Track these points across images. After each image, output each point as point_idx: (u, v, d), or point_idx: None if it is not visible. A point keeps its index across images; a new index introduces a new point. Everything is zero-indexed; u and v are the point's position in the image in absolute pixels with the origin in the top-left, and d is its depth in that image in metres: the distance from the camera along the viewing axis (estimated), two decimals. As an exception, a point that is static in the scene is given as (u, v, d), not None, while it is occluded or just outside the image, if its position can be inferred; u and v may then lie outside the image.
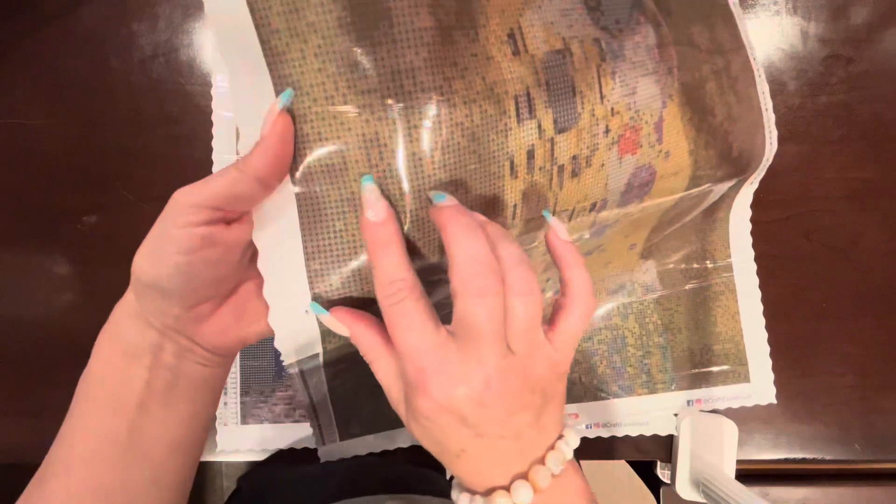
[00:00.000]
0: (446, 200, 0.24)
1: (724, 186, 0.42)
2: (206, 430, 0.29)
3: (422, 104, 0.24)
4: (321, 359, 0.32)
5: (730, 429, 0.46)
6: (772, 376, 0.48)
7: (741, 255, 0.48)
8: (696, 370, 0.48)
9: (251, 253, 0.26)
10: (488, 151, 0.26)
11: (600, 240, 0.40)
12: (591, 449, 0.48)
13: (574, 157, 0.29)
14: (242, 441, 0.47)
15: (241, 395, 0.47)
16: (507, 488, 0.23)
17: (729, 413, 0.48)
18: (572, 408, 0.47)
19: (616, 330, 0.47)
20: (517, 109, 0.26)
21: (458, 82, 0.24)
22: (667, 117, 0.33)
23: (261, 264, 0.26)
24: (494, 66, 0.25)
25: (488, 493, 0.23)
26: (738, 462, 0.46)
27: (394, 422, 0.45)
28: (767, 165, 0.42)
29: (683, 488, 0.46)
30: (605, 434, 0.48)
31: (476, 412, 0.22)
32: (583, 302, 0.25)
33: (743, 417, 0.48)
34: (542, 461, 0.24)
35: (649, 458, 0.49)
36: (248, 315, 0.27)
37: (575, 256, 0.25)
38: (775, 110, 0.49)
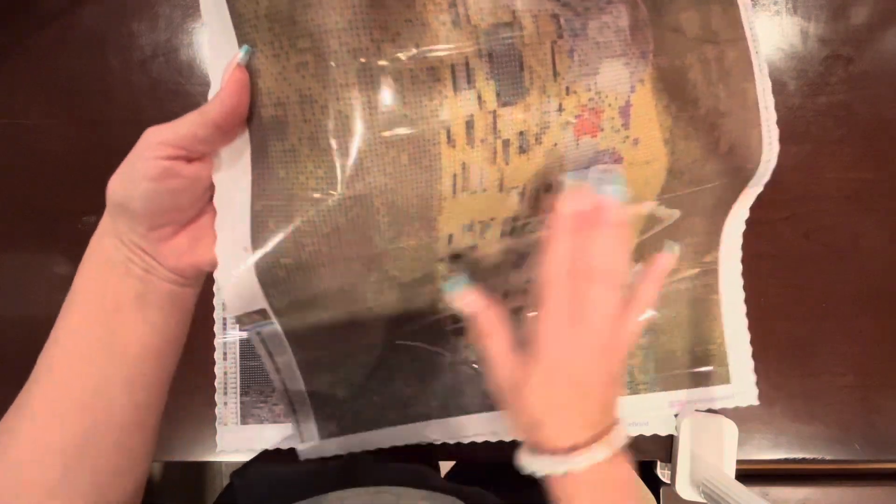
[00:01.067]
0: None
1: (721, 189, 0.40)
2: (178, 343, 0.32)
3: (348, 64, 0.25)
4: (278, 326, 0.34)
5: (730, 429, 0.46)
6: (753, 378, 0.47)
7: (728, 257, 0.47)
8: (678, 371, 0.47)
9: (212, 190, 0.30)
10: (421, 116, 0.26)
11: None
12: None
13: (521, 133, 0.29)
14: (242, 441, 0.47)
15: (241, 395, 0.48)
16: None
17: (729, 413, 0.48)
18: None
19: None
20: (454, 78, 0.27)
21: (387, 45, 0.25)
22: (636, 102, 0.32)
23: (216, 200, 0.29)
24: (430, 34, 0.26)
25: (572, 450, 0.28)
26: (738, 462, 0.46)
27: (371, 423, 0.45)
28: (771, 168, 0.40)
29: (683, 488, 0.46)
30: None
31: (586, 378, 0.29)
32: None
33: (743, 417, 0.48)
34: (608, 433, 0.29)
35: (649, 458, 0.49)
36: (202, 244, 0.31)
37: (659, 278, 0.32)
38: (775, 110, 0.49)
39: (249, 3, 0.26)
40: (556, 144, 0.30)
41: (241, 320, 0.33)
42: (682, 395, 0.47)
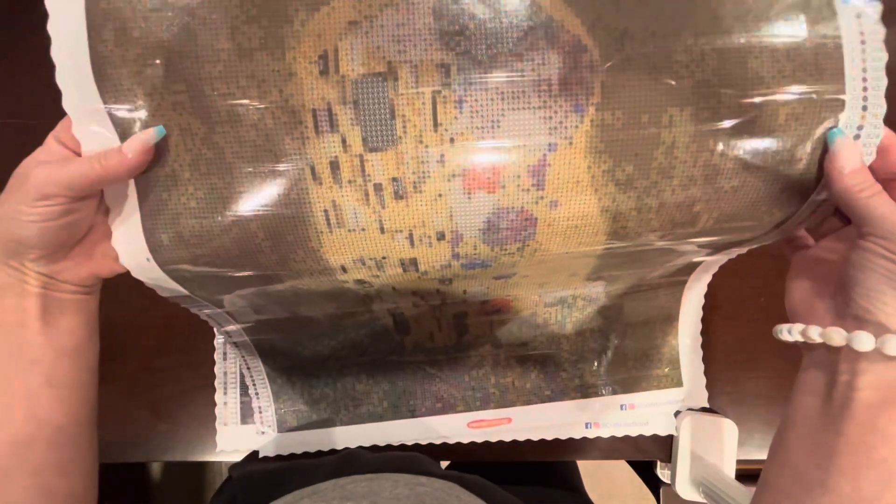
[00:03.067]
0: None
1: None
2: (93, 338, 0.33)
3: (219, 106, 0.28)
4: (216, 308, 0.37)
5: (730, 429, 0.46)
6: (703, 381, 0.48)
7: (702, 272, 0.45)
8: (630, 375, 0.47)
9: (99, 204, 0.31)
10: (285, 152, 0.28)
11: (498, 271, 0.35)
12: (591, 449, 0.48)
13: (394, 179, 0.29)
14: (242, 441, 0.47)
15: (241, 395, 0.48)
16: None
17: (729, 413, 0.48)
18: (505, 412, 0.47)
19: (552, 337, 0.47)
20: (315, 121, 0.28)
21: (252, 91, 0.28)
22: (555, 163, 0.29)
23: (110, 220, 0.31)
24: (296, 82, 0.28)
25: None
26: (738, 462, 0.46)
27: (326, 420, 0.46)
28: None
29: (683, 488, 0.46)
30: (604, 434, 0.48)
31: None
32: None
33: (743, 417, 0.48)
34: None
35: (649, 458, 0.49)
36: (98, 253, 0.32)
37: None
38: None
39: (118, 50, 0.27)
40: (440, 195, 0.29)
41: (182, 302, 0.36)
42: (634, 398, 0.47)
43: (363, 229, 0.30)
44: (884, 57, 0.27)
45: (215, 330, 0.48)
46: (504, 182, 0.29)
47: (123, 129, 0.28)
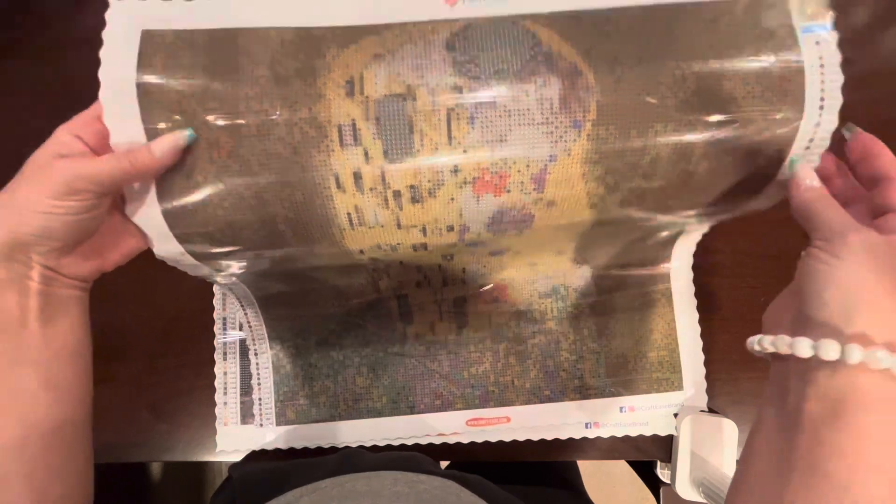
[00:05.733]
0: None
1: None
2: (88, 338, 0.33)
3: (250, 122, 0.30)
4: (242, 285, 0.39)
5: (730, 429, 0.46)
6: (704, 384, 0.48)
7: (680, 262, 0.47)
8: (630, 377, 0.48)
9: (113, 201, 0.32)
10: (311, 164, 0.31)
11: (494, 246, 0.40)
12: (591, 449, 0.48)
13: (412, 186, 0.32)
14: (242, 441, 0.47)
15: (241, 395, 0.48)
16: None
17: (729, 413, 0.48)
18: (504, 411, 0.47)
19: (550, 334, 0.47)
20: (340, 136, 0.31)
21: (284, 109, 0.31)
22: (555, 171, 0.32)
23: (127, 210, 0.32)
24: (324, 103, 0.31)
25: (886, 345, 0.24)
26: (739, 462, 0.46)
27: (325, 414, 0.47)
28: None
29: (683, 488, 0.46)
30: (604, 434, 0.48)
31: None
32: None
33: (743, 417, 0.48)
34: None
35: (649, 458, 0.49)
36: (107, 248, 0.33)
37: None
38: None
39: (166, 73, 0.30)
40: (452, 199, 0.33)
41: (205, 277, 0.38)
42: (634, 400, 0.47)
43: (382, 226, 0.34)
44: (840, 79, 0.30)
45: (216, 330, 0.48)
46: (510, 187, 0.32)
47: (152, 132, 0.30)
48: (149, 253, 0.35)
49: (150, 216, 0.32)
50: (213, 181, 0.31)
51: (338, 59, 0.31)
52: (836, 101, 0.31)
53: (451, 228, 0.35)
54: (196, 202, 0.32)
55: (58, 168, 0.28)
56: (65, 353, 0.31)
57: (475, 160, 0.31)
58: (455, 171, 0.32)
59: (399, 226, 0.34)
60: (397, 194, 0.32)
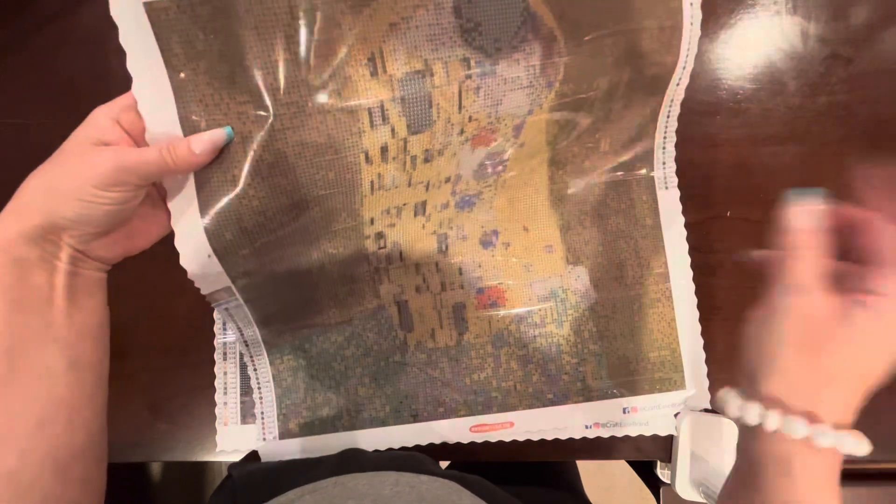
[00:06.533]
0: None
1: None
2: (108, 320, 0.33)
3: (283, 115, 0.32)
4: (241, 301, 0.40)
5: (730, 429, 0.46)
6: (706, 383, 0.48)
7: (677, 261, 0.48)
8: (632, 378, 0.47)
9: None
10: (344, 146, 0.34)
11: (484, 215, 0.45)
12: (591, 449, 0.48)
13: (426, 150, 0.37)
14: (242, 441, 0.47)
15: (241, 395, 0.48)
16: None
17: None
18: (507, 416, 0.47)
19: (551, 338, 0.47)
20: (370, 118, 0.34)
21: (315, 99, 0.32)
22: (529, 121, 0.39)
23: (173, 221, 0.34)
24: (351, 86, 0.33)
25: (803, 414, 0.26)
26: (738, 462, 0.46)
27: (328, 425, 0.46)
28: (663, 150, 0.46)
29: (683, 488, 0.46)
30: (604, 434, 0.48)
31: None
32: None
33: (743, 417, 0.48)
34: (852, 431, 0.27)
35: (649, 458, 0.49)
36: (136, 233, 0.34)
37: None
38: (775, 111, 0.49)
39: (189, 63, 0.31)
40: (454, 154, 0.39)
41: (211, 298, 0.39)
42: (636, 401, 0.47)
43: (396, 186, 0.39)
44: (699, 21, 0.40)
45: (216, 330, 0.48)
46: (497, 137, 0.40)
47: (189, 127, 0.32)
48: (149, 253, 0.35)
49: (188, 213, 0.34)
50: (252, 173, 0.33)
51: (354, 28, 0.32)
52: (697, 31, 0.40)
53: (447, 180, 0.41)
54: (232, 195, 0.33)
55: (103, 157, 0.29)
56: (88, 333, 0.31)
57: (476, 123, 0.37)
58: (461, 132, 0.37)
59: (410, 184, 0.39)
60: (414, 158, 0.37)
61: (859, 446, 0.27)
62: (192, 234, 0.34)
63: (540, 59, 0.36)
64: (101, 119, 0.30)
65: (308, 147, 0.33)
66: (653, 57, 0.40)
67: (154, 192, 0.34)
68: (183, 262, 0.35)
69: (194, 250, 0.35)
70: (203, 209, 0.34)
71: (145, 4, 0.30)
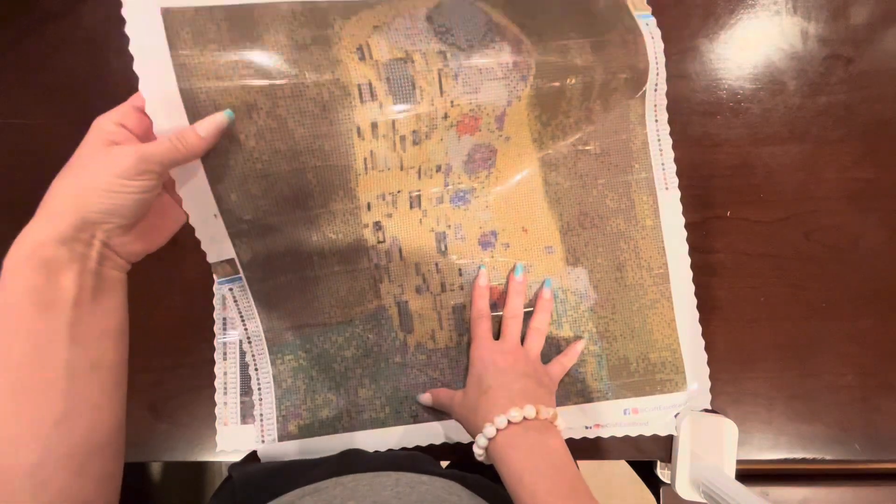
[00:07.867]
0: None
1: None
2: (126, 322, 0.34)
3: (284, 85, 0.36)
4: (245, 281, 0.43)
5: (730, 429, 0.46)
6: (707, 383, 0.48)
7: (677, 262, 0.48)
8: (633, 379, 0.47)
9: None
10: (338, 118, 0.38)
11: (481, 214, 0.47)
12: (591, 449, 0.48)
13: (414, 132, 0.40)
14: (242, 441, 0.47)
15: (241, 395, 0.48)
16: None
17: (729, 413, 0.48)
18: None
19: (550, 339, 0.47)
20: (360, 94, 0.38)
21: (311, 73, 0.37)
22: (510, 112, 0.42)
23: (177, 186, 0.37)
24: (343, 66, 0.37)
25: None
26: (738, 462, 0.46)
27: (327, 426, 0.46)
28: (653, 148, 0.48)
29: (683, 488, 0.46)
30: (605, 434, 0.48)
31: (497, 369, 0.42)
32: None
33: (743, 417, 0.48)
34: (523, 407, 0.38)
35: (649, 458, 0.49)
36: (154, 229, 0.36)
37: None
38: (775, 111, 0.49)
39: (197, 44, 0.35)
40: (441, 140, 0.42)
41: (216, 270, 0.43)
42: (637, 402, 0.47)
43: (389, 168, 0.42)
44: (659, 37, 0.46)
45: (216, 330, 0.48)
46: (481, 126, 0.42)
47: (194, 111, 0.35)
48: (150, 253, 0.35)
49: (194, 175, 0.37)
50: (255, 138, 0.37)
51: (344, 29, 0.38)
52: (660, 44, 0.46)
53: (438, 169, 0.44)
54: (238, 158, 0.37)
55: (124, 151, 0.31)
56: (110, 334, 0.32)
57: (458, 108, 0.40)
58: (445, 116, 0.40)
59: (402, 167, 0.42)
60: (403, 138, 0.40)
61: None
62: (199, 194, 0.38)
63: (510, 56, 0.40)
64: (106, 124, 0.32)
65: (306, 115, 0.37)
66: (621, 61, 0.44)
67: (161, 187, 0.35)
68: (192, 221, 0.39)
69: (201, 207, 0.38)
70: (209, 171, 0.37)
71: (163, 10, 0.34)
